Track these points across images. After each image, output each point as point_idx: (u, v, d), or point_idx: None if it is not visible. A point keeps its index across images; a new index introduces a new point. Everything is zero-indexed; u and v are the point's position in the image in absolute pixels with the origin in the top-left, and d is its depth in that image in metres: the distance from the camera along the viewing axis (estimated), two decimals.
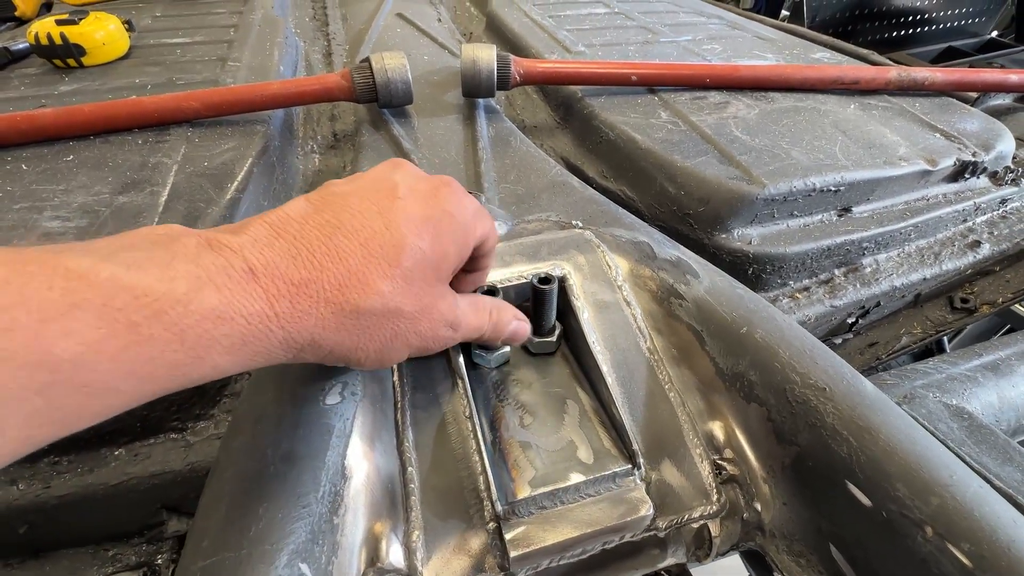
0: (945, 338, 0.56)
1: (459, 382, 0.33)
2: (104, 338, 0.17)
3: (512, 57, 0.57)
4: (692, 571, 0.36)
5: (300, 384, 0.31)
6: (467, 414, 0.32)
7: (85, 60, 0.62)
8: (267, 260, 0.21)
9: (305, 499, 0.26)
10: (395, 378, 0.34)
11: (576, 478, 0.30)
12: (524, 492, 0.30)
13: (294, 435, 0.28)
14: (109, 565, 0.37)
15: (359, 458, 0.30)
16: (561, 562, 0.30)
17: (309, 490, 0.26)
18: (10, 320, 0.16)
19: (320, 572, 0.25)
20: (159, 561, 0.37)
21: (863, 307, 0.51)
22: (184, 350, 0.19)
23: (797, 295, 0.49)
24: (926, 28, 1.35)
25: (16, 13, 0.86)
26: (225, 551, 0.23)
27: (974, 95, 0.66)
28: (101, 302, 0.17)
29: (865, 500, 0.28)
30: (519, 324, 0.33)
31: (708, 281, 0.38)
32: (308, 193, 0.27)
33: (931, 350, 0.58)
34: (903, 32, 1.34)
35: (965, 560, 0.24)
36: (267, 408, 0.29)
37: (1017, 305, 0.53)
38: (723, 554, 0.34)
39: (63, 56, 0.61)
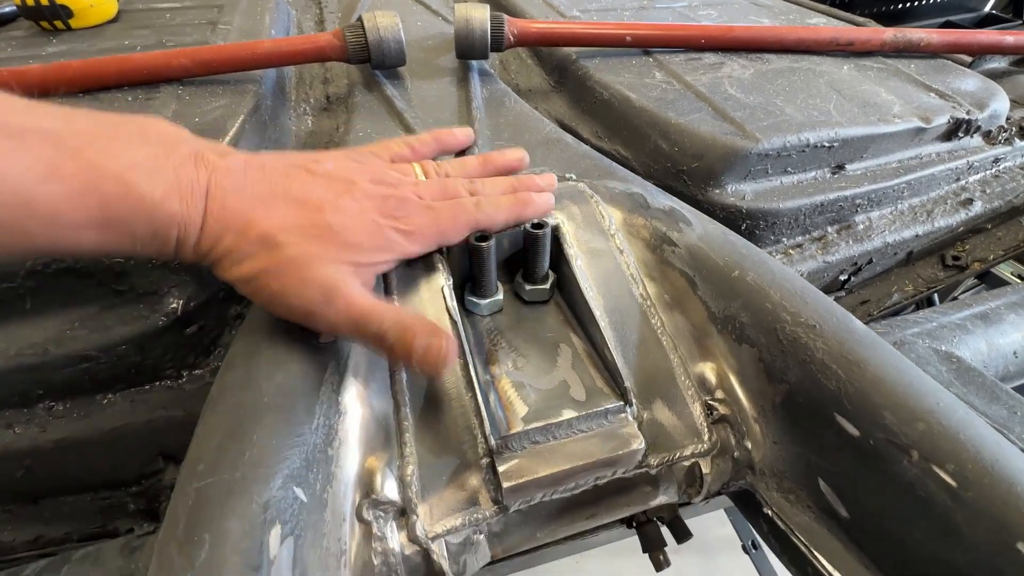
0: (936, 296, 0.57)
1: (452, 323, 0.33)
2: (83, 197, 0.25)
3: (506, 17, 0.57)
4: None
5: (294, 324, 0.31)
6: (460, 354, 0.32)
7: (73, 23, 0.61)
8: (223, 187, 0.27)
9: (299, 428, 0.26)
10: None
11: (568, 414, 0.31)
12: (517, 427, 0.30)
13: (288, 370, 0.28)
14: (108, 512, 0.37)
15: (353, 396, 0.30)
16: (554, 496, 0.30)
17: (303, 420, 0.27)
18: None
19: (315, 498, 0.25)
20: (158, 508, 0.38)
21: (856, 264, 0.51)
22: (144, 231, 0.26)
23: (790, 251, 0.49)
24: (923, 1, 1.34)
25: None
26: (220, 473, 0.24)
27: (969, 59, 0.65)
28: (103, 190, 0.25)
29: (853, 430, 0.28)
30: (434, 341, 0.28)
31: (701, 228, 0.38)
32: (304, 155, 0.32)
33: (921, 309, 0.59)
34: (900, 5, 1.33)
35: (949, 480, 0.25)
36: (261, 345, 0.29)
37: (997, 268, 0.54)
38: (714, 493, 0.35)
39: (50, 18, 0.60)
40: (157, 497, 0.38)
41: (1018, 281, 0.61)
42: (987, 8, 1.40)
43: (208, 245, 0.27)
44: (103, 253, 0.30)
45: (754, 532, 1.14)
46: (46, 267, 0.33)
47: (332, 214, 0.29)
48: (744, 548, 1.14)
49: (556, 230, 0.38)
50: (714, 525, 1.26)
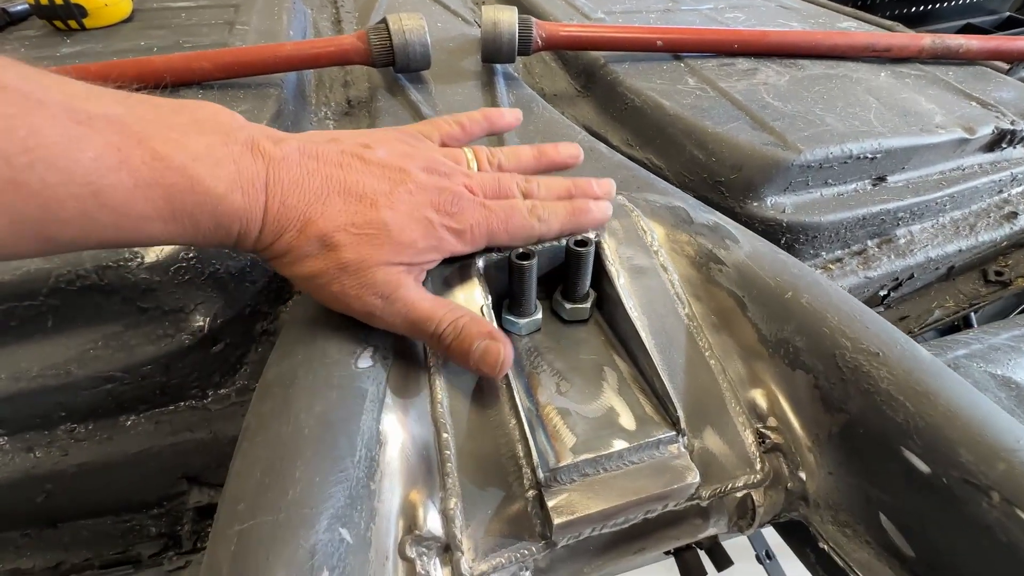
0: (973, 314, 0.55)
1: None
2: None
3: (534, 20, 0.55)
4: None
5: (330, 347, 0.29)
6: (502, 378, 0.31)
7: (87, 22, 0.59)
8: (280, 179, 0.27)
9: (342, 463, 0.25)
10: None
11: (619, 444, 0.29)
12: (566, 459, 0.28)
13: (327, 398, 0.27)
14: (129, 536, 0.36)
15: (394, 423, 0.29)
16: (603, 531, 0.29)
17: (345, 454, 0.25)
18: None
19: (359, 538, 0.24)
20: (180, 532, 0.36)
21: (896, 279, 0.49)
22: (208, 225, 0.25)
23: (830, 266, 0.48)
24: (944, 4, 1.32)
25: None
26: (263, 514, 0.22)
27: (1007, 65, 0.64)
28: (169, 182, 0.24)
29: (923, 467, 0.26)
30: (492, 344, 0.29)
31: (748, 246, 0.36)
32: (355, 140, 0.31)
33: (957, 326, 0.57)
34: (921, 8, 1.31)
35: None
36: (297, 371, 0.28)
37: None
38: (765, 525, 0.33)
39: (64, 17, 0.58)
40: (180, 520, 0.37)
41: None
42: (1008, 10, 1.38)
43: (268, 241, 0.27)
44: (168, 242, 0.31)
45: (767, 542, 1.13)
46: (70, 284, 0.31)
47: (387, 211, 0.28)
48: (758, 558, 1.13)
49: (597, 245, 0.37)
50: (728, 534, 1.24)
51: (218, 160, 0.25)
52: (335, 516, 0.23)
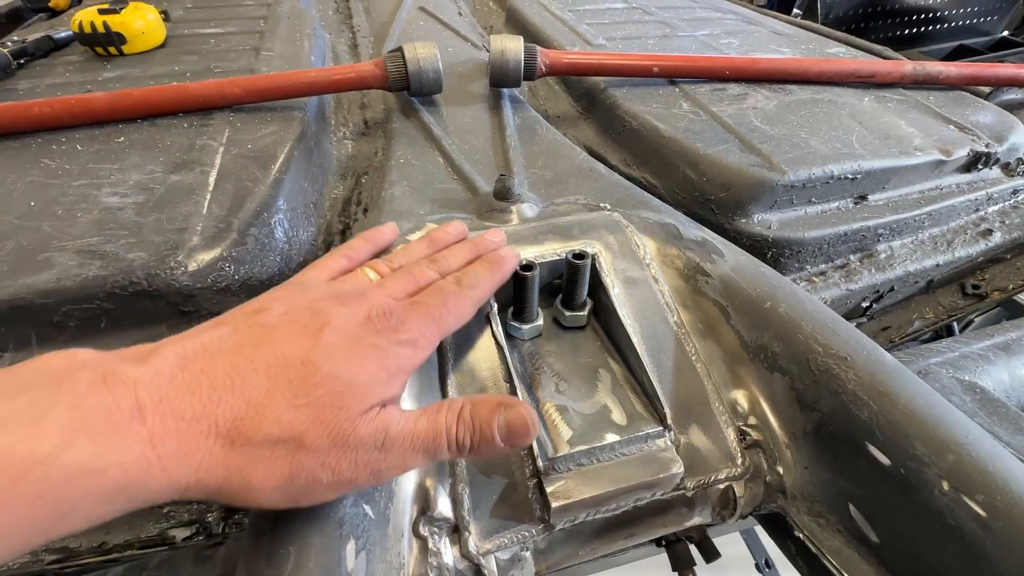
0: (955, 324, 0.58)
1: (499, 348, 0.35)
2: None
3: (539, 48, 0.59)
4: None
5: None
6: (506, 378, 0.34)
7: (125, 48, 0.64)
8: (162, 395, 0.20)
9: None
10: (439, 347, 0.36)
11: (611, 437, 0.32)
12: (563, 450, 0.32)
13: None
14: (163, 520, 0.39)
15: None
16: (597, 516, 0.32)
17: None
18: None
19: (380, 515, 0.27)
20: (209, 518, 0.40)
21: (877, 291, 0.52)
22: (46, 511, 0.18)
23: (814, 279, 0.51)
24: (938, 26, 1.36)
25: (50, 4, 0.88)
26: None
27: (987, 90, 0.67)
28: None
29: (884, 459, 0.29)
30: (510, 412, 0.26)
31: (733, 260, 0.40)
32: (243, 312, 0.26)
33: (940, 336, 0.60)
34: (915, 30, 1.35)
35: (979, 510, 0.26)
36: None
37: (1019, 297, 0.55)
38: (745, 515, 0.36)
39: (104, 44, 0.63)
40: (210, 507, 0.40)
41: None
42: (1001, 33, 1.42)
43: (188, 475, 0.20)
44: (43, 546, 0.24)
45: (767, 551, 1.15)
46: (123, 289, 0.35)
47: (326, 362, 0.23)
48: (757, 567, 1.14)
49: (594, 258, 0.40)
50: (727, 543, 1.26)
51: (39, 416, 0.18)
52: (360, 494, 0.27)
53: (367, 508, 0.27)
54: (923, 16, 1.33)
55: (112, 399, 0.20)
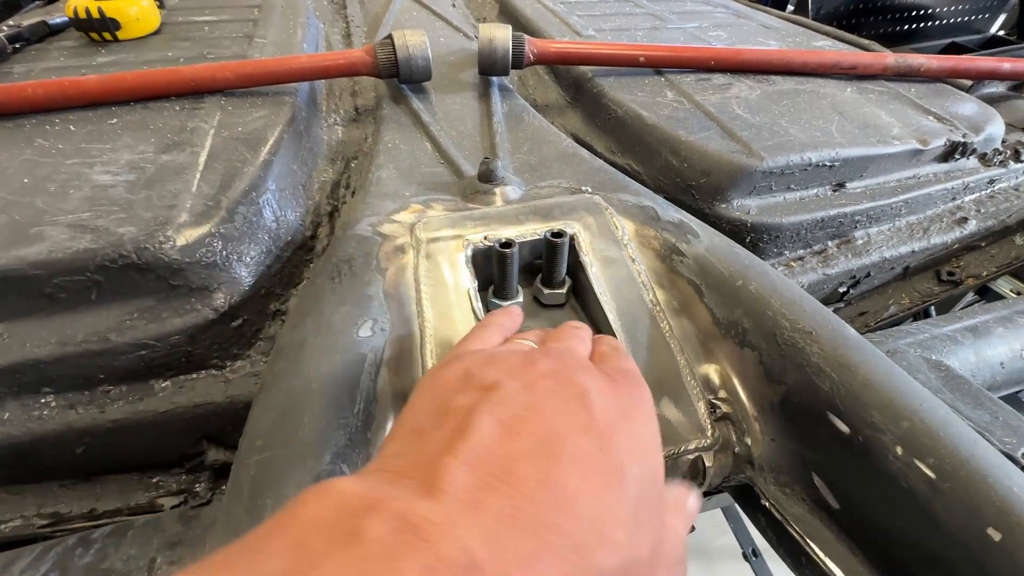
0: (933, 309, 0.59)
1: (479, 322, 0.36)
2: None
3: (526, 37, 0.60)
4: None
5: (335, 319, 0.34)
6: None
7: (120, 34, 0.65)
8: (489, 537, 0.15)
9: (344, 412, 0.29)
10: (419, 321, 0.37)
11: None
12: None
13: (332, 360, 0.31)
14: (153, 490, 0.40)
15: (387, 386, 0.33)
16: None
17: (346, 405, 0.30)
18: None
19: (352, 466, 0.28)
20: (198, 488, 0.41)
21: (854, 277, 0.54)
22: None
23: (792, 264, 0.52)
24: (929, 23, 1.37)
25: None
26: (277, 449, 0.27)
27: (969, 83, 0.68)
28: None
29: (844, 427, 0.31)
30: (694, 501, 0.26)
31: (707, 240, 0.41)
32: (459, 375, 0.21)
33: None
34: (906, 27, 1.36)
35: (929, 472, 0.27)
36: (307, 338, 0.33)
37: (994, 282, 0.56)
38: (715, 486, 0.37)
39: (99, 30, 0.64)
40: (198, 478, 0.41)
41: (1014, 296, 0.64)
42: (992, 30, 1.43)
43: None
44: None
45: (754, 540, 1.16)
46: (112, 262, 0.36)
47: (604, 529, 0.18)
48: (744, 556, 1.16)
49: (573, 239, 0.41)
50: (715, 533, 1.27)
51: None
52: (337, 454, 0.28)
53: (344, 468, 0.28)
54: (914, 13, 1.35)
55: (432, 557, 0.14)
